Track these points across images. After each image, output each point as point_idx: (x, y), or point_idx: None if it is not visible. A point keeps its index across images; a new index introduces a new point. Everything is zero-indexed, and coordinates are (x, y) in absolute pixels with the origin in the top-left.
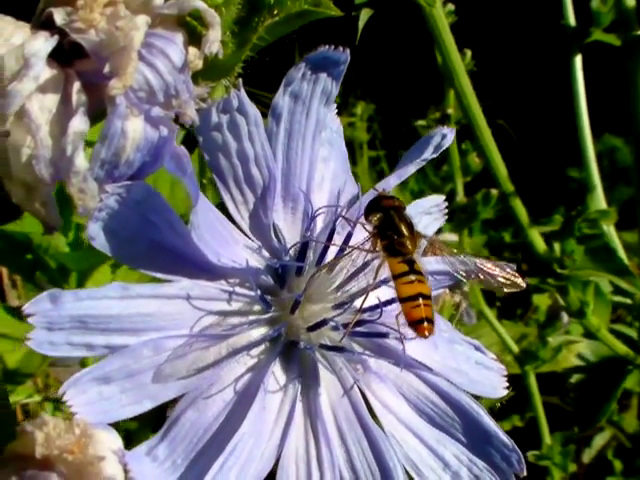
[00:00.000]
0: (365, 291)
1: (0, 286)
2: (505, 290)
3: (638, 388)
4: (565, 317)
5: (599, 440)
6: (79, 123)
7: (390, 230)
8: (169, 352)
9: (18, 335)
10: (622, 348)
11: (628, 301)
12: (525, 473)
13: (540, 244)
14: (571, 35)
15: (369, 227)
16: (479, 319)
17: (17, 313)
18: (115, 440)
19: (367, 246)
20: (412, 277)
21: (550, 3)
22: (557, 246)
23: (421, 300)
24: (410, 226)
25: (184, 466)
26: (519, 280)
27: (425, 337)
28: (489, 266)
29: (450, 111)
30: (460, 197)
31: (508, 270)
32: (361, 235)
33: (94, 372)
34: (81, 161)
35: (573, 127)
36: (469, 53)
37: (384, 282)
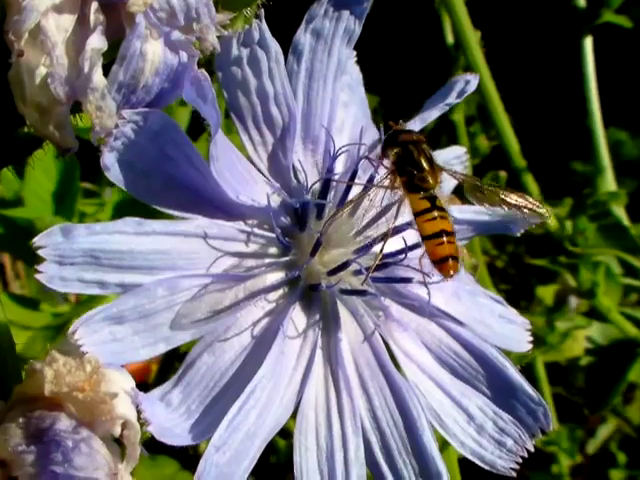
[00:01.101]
0: (386, 234)
1: (3, 276)
2: (531, 221)
3: None
4: (573, 302)
5: (603, 431)
6: (97, 41)
7: (409, 165)
8: (185, 292)
9: (21, 322)
10: (632, 330)
11: (638, 283)
12: (551, 427)
13: (552, 221)
14: (581, 17)
15: (387, 163)
16: None
17: (20, 300)
18: (128, 380)
19: (386, 183)
20: (435, 213)
21: None
22: (569, 224)
23: (445, 237)
24: (430, 160)
25: (199, 412)
26: (542, 210)
27: (450, 276)
28: (513, 197)
29: None
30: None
31: (531, 200)
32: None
33: (106, 311)
34: (99, 78)
35: (578, 120)
36: (478, 34)
37: (409, 225)
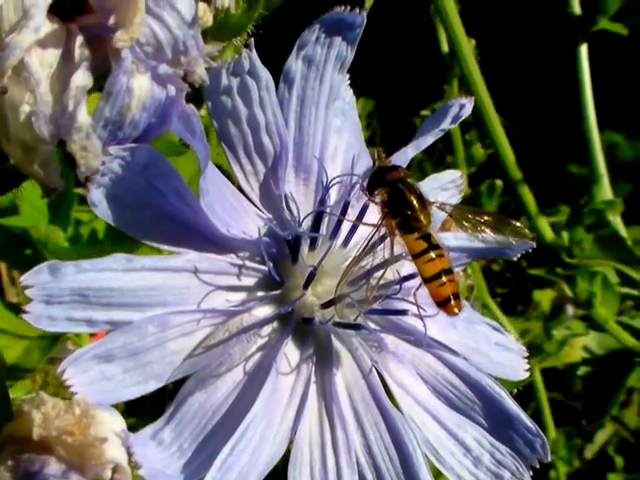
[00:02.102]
0: (382, 266)
1: None
2: (521, 246)
3: None
4: (570, 310)
5: (601, 436)
6: (82, 77)
7: (402, 206)
8: (175, 329)
9: (17, 331)
10: (629, 340)
11: (635, 292)
12: (550, 459)
13: (548, 233)
14: (576, 24)
15: (376, 201)
16: (483, 312)
17: (16, 309)
18: (118, 421)
19: (380, 225)
20: (432, 254)
21: None
22: (565, 234)
23: (444, 278)
24: (420, 197)
25: (191, 450)
26: (526, 232)
27: (455, 315)
28: (497, 223)
29: None
30: (464, 188)
31: (514, 223)
32: (376, 208)
33: (96, 349)
34: (84, 117)
35: (574, 123)
36: (473, 42)
37: (403, 257)
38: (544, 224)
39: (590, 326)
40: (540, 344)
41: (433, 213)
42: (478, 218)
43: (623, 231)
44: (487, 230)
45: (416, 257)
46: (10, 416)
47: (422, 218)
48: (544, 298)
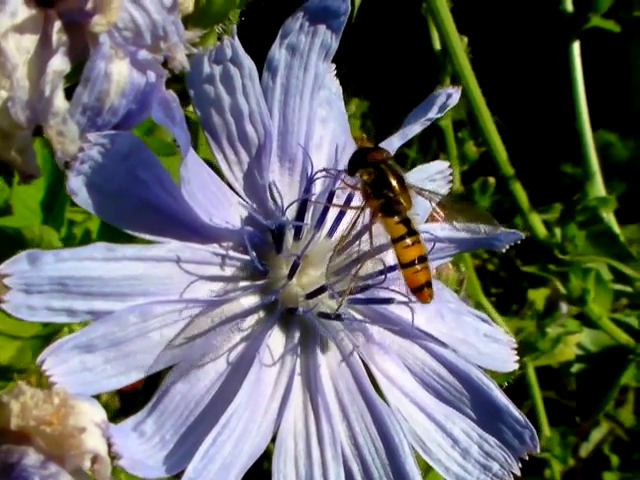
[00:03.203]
0: (365, 256)
1: None
2: (510, 236)
3: (635, 383)
4: (564, 308)
5: (596, 434)
6: (59, 62)
7: (385, 188)
8: (157, 319)
9: (10, 332)
10: (623, 337)
11: (628, 289)
12: (539, 450)
13: (541, 229)
14: (569, 21)
15: (357, 183)
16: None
17: None
18: (98, 412)
19: (364, 207)
20: (408, 241)
21: None
22: (558, 231)
23: (419, 265)
24: (401, 180)
25: (173, 442)
26: (499, 228)
27: (428, 302)
28: (472, 214)
29: None
30: (457, 186)
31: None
32: (359, 194)
33: (76, 339)
34: (60, 101)
35: (567, 123)
36: (465, 39)
37: (387, 246)
38: (537, 220)
39: (584, 323)
40: (534, 342)
41: (413, 197)
42: (456, 207)
43: (616, 228)
44: (459, 217)
45: (395, 242)
46: None
47: (403, 201)
48: (539, 297)
